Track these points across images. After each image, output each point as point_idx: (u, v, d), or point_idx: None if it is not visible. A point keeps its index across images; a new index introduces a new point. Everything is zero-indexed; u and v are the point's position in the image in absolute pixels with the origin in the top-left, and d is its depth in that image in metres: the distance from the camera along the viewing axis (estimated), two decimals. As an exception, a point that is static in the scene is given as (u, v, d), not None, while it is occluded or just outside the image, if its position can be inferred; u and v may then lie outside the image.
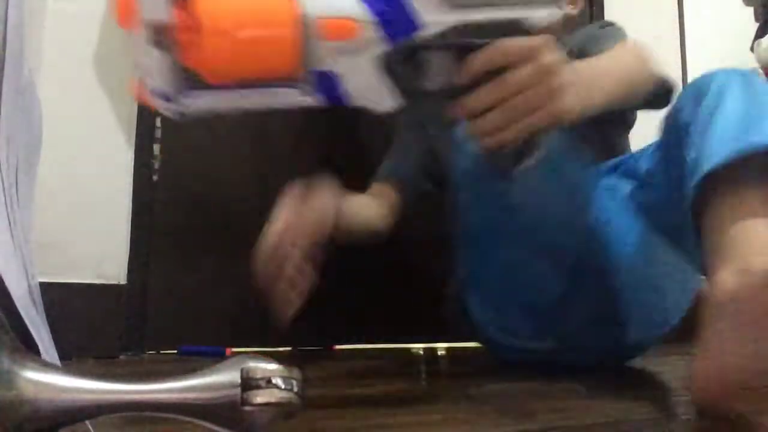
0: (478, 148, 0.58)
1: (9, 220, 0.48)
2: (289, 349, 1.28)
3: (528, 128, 0.57)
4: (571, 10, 1.02)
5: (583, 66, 0.71)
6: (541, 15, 0.54)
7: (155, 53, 0.47)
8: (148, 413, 0.37)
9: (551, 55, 0.57)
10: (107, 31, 1.24)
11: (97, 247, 1.20)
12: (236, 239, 1.33)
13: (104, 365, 1.06)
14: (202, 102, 0.50)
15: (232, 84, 0.49)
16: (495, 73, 0.55)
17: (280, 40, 0.48)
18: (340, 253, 1.17)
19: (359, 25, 0.50)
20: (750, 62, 2.09)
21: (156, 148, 1.27)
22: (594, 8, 1.69)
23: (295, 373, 0.40)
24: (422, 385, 0.90)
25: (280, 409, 0.38)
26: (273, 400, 0.38)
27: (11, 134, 0.52)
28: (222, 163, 1.34)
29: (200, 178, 1.32)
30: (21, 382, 0.35)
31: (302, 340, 1.31)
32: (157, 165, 1.27)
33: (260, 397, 0.38)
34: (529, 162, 0.59)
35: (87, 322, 1.15)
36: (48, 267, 1.12)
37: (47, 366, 0.37)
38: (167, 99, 0.49)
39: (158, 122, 1.27)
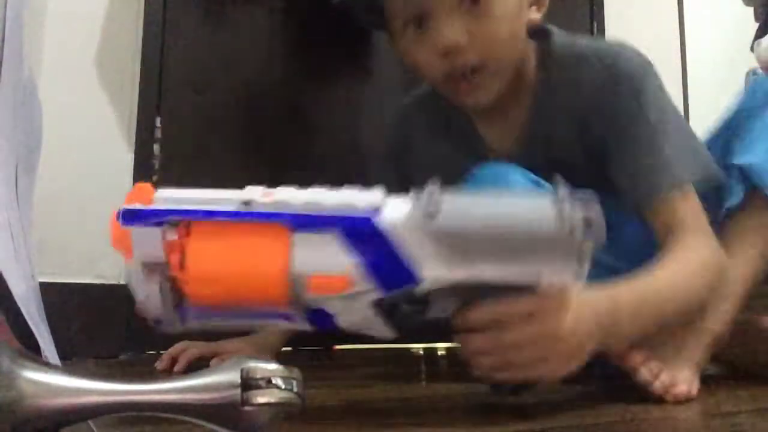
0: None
1: (9, 219, 0.48)
2: (289, 349, 1.28)
3: (518, 376, 0.56)
4: (536, 13, 0.83)
5: (610, 302, 0.61)
6: (552, 277, 0.50)
7: (147, 283, 0.49)
8: (148, 413, 0.37)
9: (557, 320, 0.54)
10: (107, 31, 1.24)
11: (96, 247, 1.20)
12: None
13: (104, 365, 1.06)
14: (194, 322, 0.51)
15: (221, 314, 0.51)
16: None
17: (268, 295, 0.49)
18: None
19: (352, 280, 0.49)
20: (750, 62, 2.09)
21: (156, 148, 1.27)
22: (594, 8, 1.68)
23: (295, 373, 0.40)
24: (422, 385, 0.90)
25: (280, 409, 0.38)
26: (273, 400, 0.38)
27: (11, 134, 0.52)
28: (222, 163, 1.34)
29: (200, 178, 1.31)
30: (21, 382, 0.35)
31: (302, 340, 1.30)
32: (157, 165, 1.27)
33: (260, 397, 0.38)
34: (531, 391, 0.59)
35: (87, 322, 1.15)
36: (48, 267, 1.12)
37: (47, 366, 0.37)
38: (160, 322, 0.51)
39: (158, 122, 1.27)
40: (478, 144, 0.87)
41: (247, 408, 0.37)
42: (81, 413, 0.36)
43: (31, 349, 0.46)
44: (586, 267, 0.50)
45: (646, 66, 0.78)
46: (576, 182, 0.54)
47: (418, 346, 1.40)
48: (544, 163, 0.80)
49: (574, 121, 0.81)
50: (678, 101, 1.89)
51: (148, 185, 0.50)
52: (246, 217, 0.49)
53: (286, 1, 1.41)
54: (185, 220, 0.48)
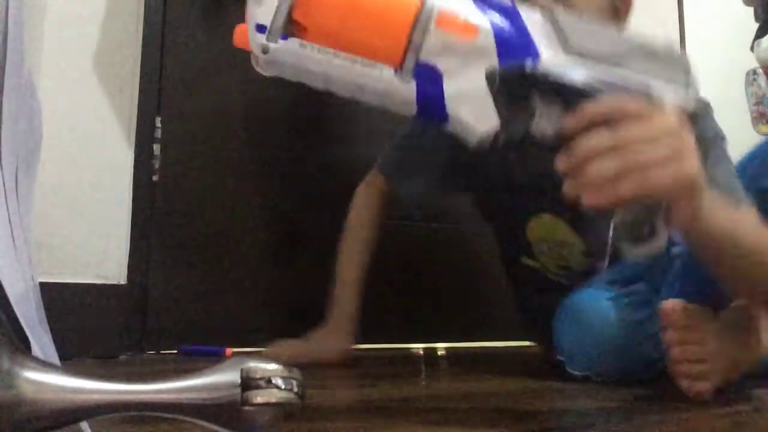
0: (583, 204, 0.50)
1: (9, 219, 0.48)
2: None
3: (650, 185, 0.49)
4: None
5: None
6: (667, 88, 0.51)
7: None
8: (148, 413, 0.37)
9: (677, 121, 0.51)
10: (107, 31, 1.24)
11: (97, 247, 1.20)
12: (236, 239, 1.34)
13: (104, 365, 1.06)
14: (292, 50, 0.49)
15: (331, 46, 0.48)
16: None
17: (394, 15, 0.48)
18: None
19: (476, 29, 0.49)
20: (750, 62, 2.10)
21: (156, 148, 1.27)
22: (594, 8, 1.68)
23: (295, 373, 0.40)
24: (422, 385, 0.90)
25: (280, 409, 0.38)
26: (273, 400, 0.38)
27: (12, 134, 0.52)
28: (222, 163, 1.34)
29: (200, 178, 1.32)
30: (21, 382, 0.35)
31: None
32: (157, 165, 1.27)
33: (260, 397, 0.38)
34: (640, 251, 0.52)
35: (87, 322, 1.15)
36: (48, 267, 1.12)
37: (47, 366, 0.37)
38: (263, 31, 0.49)
39: (158, 122, 1.27)
40: None
41: (247, 408, 0.37)
42: (81, 413, 0.36)
43: (28, 349, 0.46)
44: (696, 93, 0.51)
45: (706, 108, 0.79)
46: None
47: (418, 346, 1.40)
48: None
49: None
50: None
51: None
52: None
53: (286, 1, 1.41)
54: None
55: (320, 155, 1.41)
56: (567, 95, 0.50)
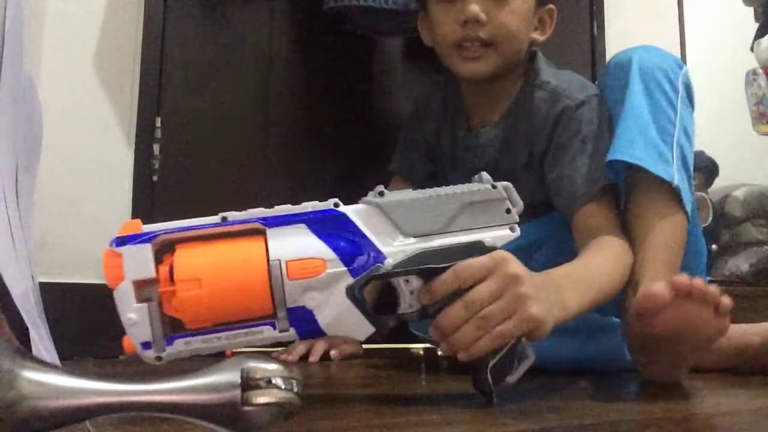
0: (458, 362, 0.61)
1: (9, 219, 0.48)
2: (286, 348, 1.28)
3: (501, 337, 0.60)
4: (539, 36, 0.99)
5: (549, 275, 0.69)
6: (495, 236, 0.60)
7: (139, 306, 0.53)
8: (148, 413, 0.37)
9: (512, 266, 0.60)
10: (107, 31, 1.24)
11: (97, 247, 1.19)
12: (236, 239, 1.33)
13: (104, 365, 1.06)
14: (182, 347, 0.54)
15: (211, 327, 0.54)
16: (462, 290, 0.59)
17: (251, 285, 0.54)
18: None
19: (325, 261, 0.56)
20: (750, 62, 2.10)
21: (156, 148, 1.27)
22: (594, 8, 1.68)
23: (295, 373, 0.40)
24: (422, 385, 0.90)
25: (280, 409, 0.38)
26: (273, 400, 0.38)
27: (11, 134, 0.52)
28: (222, 163, 1.34)
29: (200, 179, 1.32)
30: (21, 382, 0.35)
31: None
32: (157, 165, 1.27)
33: (260, 397, 0.38)
34: (514, 376, 0.62)
35: (87, 322, 1.15)
36: (48, 267, 1.12)
37: (47, 366, 0.37)
38: (148, 347, 0.53)
39: (158, 122, 1.27)
40: (463, 120, 1.05)
41: (247, 408, 0.37)
42: (81, 413, 0.37)
43: (29, 348, 0.46)
44: (518, 230, 0.61)
45: (584, 101, 0.93)
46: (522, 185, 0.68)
47: (418, 347, 1.40)
48: (507, 152, 0.99)
49: (528, 134, 0.97)
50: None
51: (136, 221, 0.57)
52: (224, 225, 0.56)
53: (287, 1, 1.41)
54: (170, 240, 0.55)
55: (320, 156, 1.41)
56: (418, 274, 0.60)
